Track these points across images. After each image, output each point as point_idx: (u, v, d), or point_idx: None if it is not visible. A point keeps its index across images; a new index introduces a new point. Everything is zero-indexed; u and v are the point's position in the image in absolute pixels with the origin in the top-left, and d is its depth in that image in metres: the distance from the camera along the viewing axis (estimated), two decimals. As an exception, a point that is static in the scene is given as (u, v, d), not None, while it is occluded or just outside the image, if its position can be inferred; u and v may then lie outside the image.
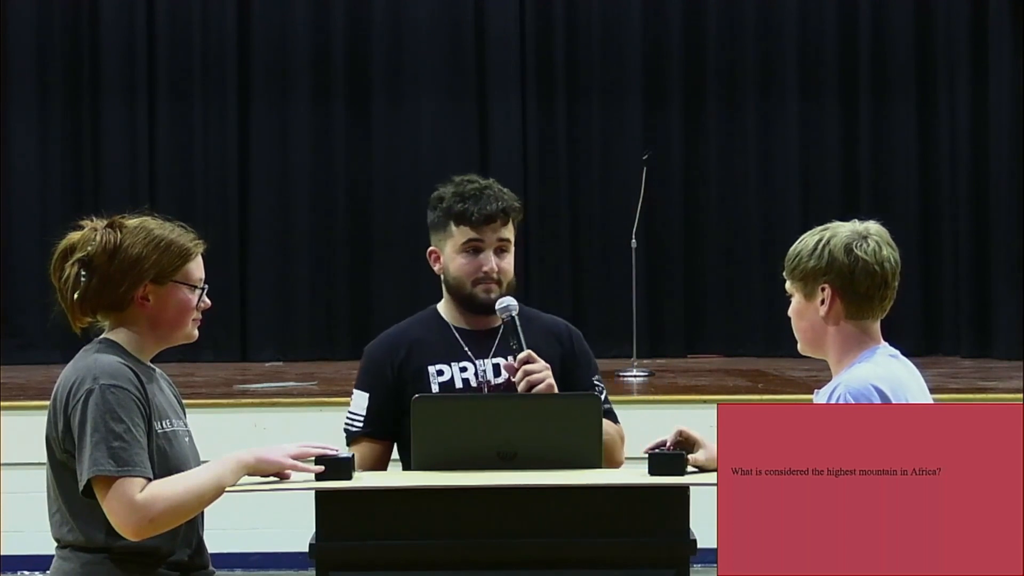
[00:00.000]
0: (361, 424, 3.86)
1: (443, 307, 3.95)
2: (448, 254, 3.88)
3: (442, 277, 3.93)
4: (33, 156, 10.74)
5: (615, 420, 3.93)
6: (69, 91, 10.80)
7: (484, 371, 3.83)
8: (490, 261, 3.83)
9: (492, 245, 3.84)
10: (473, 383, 3.83)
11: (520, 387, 3.64)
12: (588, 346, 4.01)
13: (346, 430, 3.88)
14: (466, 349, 3.87)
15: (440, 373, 3.85)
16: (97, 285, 3.17)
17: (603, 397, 3.84)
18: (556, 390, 3.68)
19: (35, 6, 10.75)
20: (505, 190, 3.91)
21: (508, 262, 3.87)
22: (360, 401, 3.88)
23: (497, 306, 3.78)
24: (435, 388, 3.82)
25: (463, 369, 3.85)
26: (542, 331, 3.91)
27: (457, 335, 3.89)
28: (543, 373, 3.68)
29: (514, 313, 3.76)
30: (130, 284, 3.17)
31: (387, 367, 3.87)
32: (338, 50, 11.00)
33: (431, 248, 3.95)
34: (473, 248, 3.85)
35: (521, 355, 3.70)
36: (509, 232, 3.87)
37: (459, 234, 3.85)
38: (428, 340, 3.89)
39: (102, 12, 10.82)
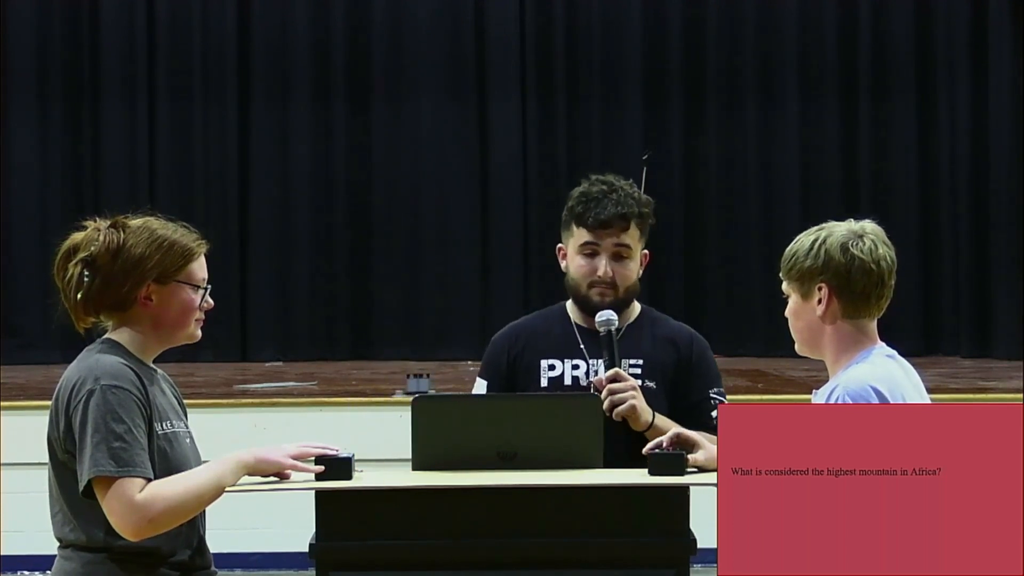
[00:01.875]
0: None
1: (570, 303, 3.97)
2: (570, 253, 3.92)
3: (566, 274, 3.94)
4: (33, 156, 10.74)
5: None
6: (69, 91, 10.80)
7: (596, 370, 3.82)
8: (604, 266, 3.84)
9: (608, 250, 3.85)
10: (583, 381, 3.83)
11: (604, 405, 3.62)
12: (712, 357, 3.97)
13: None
14: (582, 347, 3.87)
15: (552, 368, 3.86)
16: (100, 285, 3.17)
17: (716, 412, 3.83)
18: (640, 411, 3.67)
19: (35, 6, 10.75)
20: (635, 194, 3.94)
21: (628, 268, 3.87)
22: (480, 389, 3.91)
23: (596, 319, 3.79)
24: (544, 383, 3.84)
25: (575, 366, 3.85)
26: (662, 337, 3.91)
27: (577, 332, 3.89)
28: (628, 393, 3.69)
29: (612, 328, 3.76)
30: (133, 284, 3.17)
31: (504, 357, 3.91)
32: (338, 50, 11.01)
33: (560, 244, 3.98)
34: (590, 251, 3.87)
35: (608, 373, 3.72)
36: (630, 238, 3.88)
37: (578, 235, 3.89)
38: (547, 334, 3.91)
39: (102, 12, 10.83)
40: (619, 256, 3.86)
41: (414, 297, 10.72)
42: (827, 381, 3.22)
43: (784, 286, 3.26)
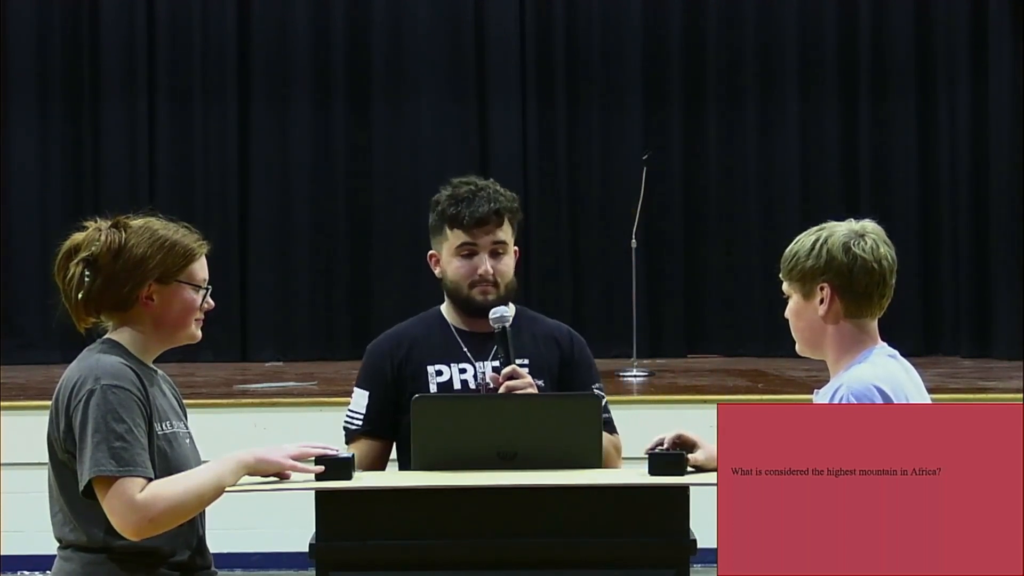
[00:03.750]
0: (360, 422, 3.86)
1: (446, 308, 3.96)
2: (445, 257, 3.89)
3: (442, 280, 3.92)
4: (33, 156, 10.74)
5: (612, 431, 3.91)
6: (69, 91, 10.80)
7: (483, 373, 3.83)
8: (484, 264, 3.83)
9: (486, 248, 3.84)
10: (472, 384, 3.84)
11: None
12: (590, 353, 3.99)
13: (345, 428, 3.89)
14: (466, 350, 3.87)
15: (439, 373, 3.86)
16: (101, 285, 3.18)
17: (602, 406, 3.84)
18: None
19: (35, 6, 10.75)
20: (502, 191, 3.89)
21: (505, 264, 3.86)
22: (360, 399, 3.89)
23: (490, 316, 3.77)
24: (433, 388, 3.83)
25: (462, 370, 3.85)
26: (542, 335, 3.92)
27: (458, 336, 3.89)
28: (527, 390, 3.68)
29: (506, 324, 3.76)
30: (134, 284, 3.18)
31: (387, 365, 3.89)
32: (338, 50, 11.00)
33: (431, 251, 3.95)
34: (468, 251, 3.85)
35: (505, 370, 3.70)
36: (505, 234, 3.86)
37: (453, 237, 3.86)
38: (429, 340, 3.90)
39: (102, 12, 10.83)
40: (496, 253, 3.85)
41: (414, 297, 10.72)
42: (827, 381, 3.22)
43: (784, 287, 3.26)
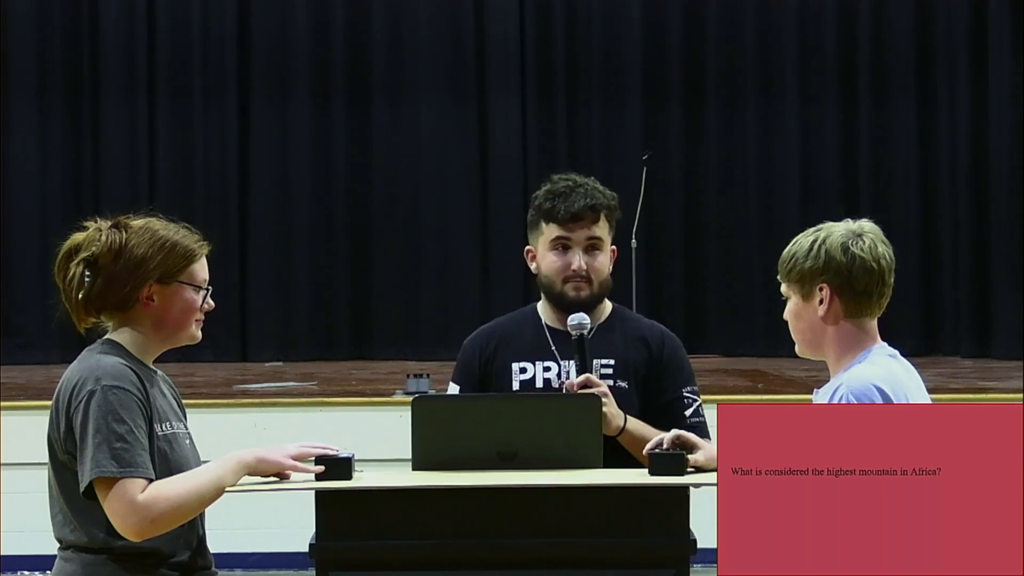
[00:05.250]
0: None
1: (541, 305, 3.95)
2: (540, 252, 3.88)
3: (537, 275, 3.92)
4: (33, 156, 10.74)
5: (704, 436, 3.76)
6: (69, 91, 10.81)
7: (567, 372, 3.80)
8: (578, 259, 3.82)
9: (581, 243, 3.82)
10: (555, 383, 3.81)
11: None
12: (684, 355, 3.94)
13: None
14: (553, 348, 3.85)
15: (523, 371, 3.85)
16: (102, 285, 3.17)
17: (692, 410, 3.82)
18: (611, 416, 3.63)
19: (35, 6, 10.75)
20: (601, 188, 3.88)
21: (600, 261, 3.84)
22: (452, 393, 3.89)
23: (568, 322, 3.76)
24: (516, 385, 3.82)
25: (547, 368, 3.84)
26: (633, 336, 3.89)
27: (548, 333, 3.87)
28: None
29: (584, 331, 3.74)
30: (135, 284, 3.17)
31: (476, 361, 3.89)
32: (338, 50, 11.01)
33: (528, 247, 3.95)
34: (562, 246, 3.84)
35: (579, 379, 3.69)
36: (601, 230, 3.84)
37: (548, 231, 3.85)
38: (519, 336, 3.89)
39: (102, 12, 10.83)
40: (592, 248, 3.83)
41: (414, 297, 10.72)
42: (827, 381, 3.22)
43: (783, 288, 3.25)
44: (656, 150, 10.19)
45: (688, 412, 3.83)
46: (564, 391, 3.73)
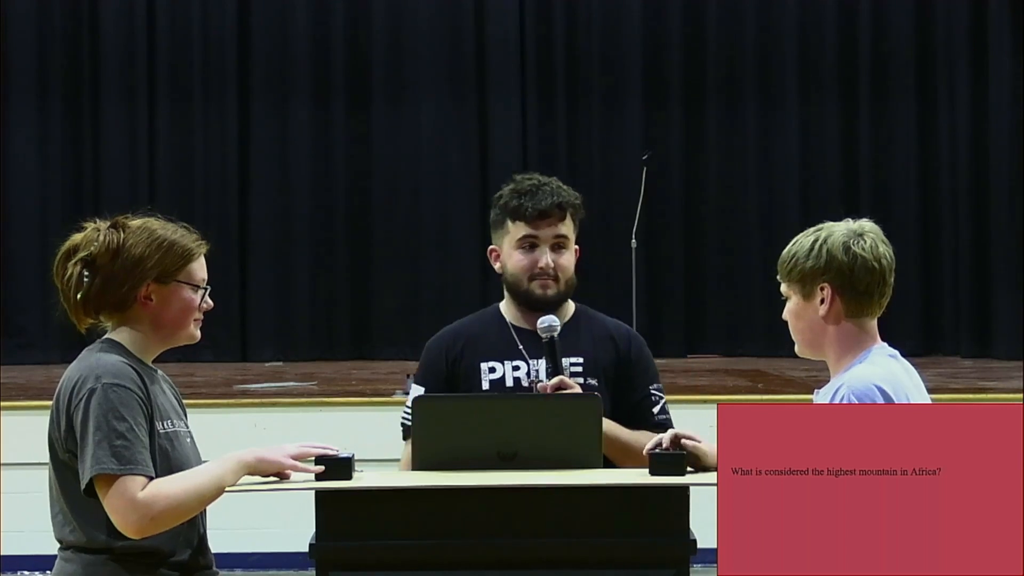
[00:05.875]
0: None
1: (504, 305, 3.95)
2: (506, 251, 3.89)
3: (502, 275, 3.92)
4: (33, 156, 10.74)
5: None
6: (69, 91, 10.80)
7: (537, 371, 3.81)
8: (545, 257, 3.82)
9: (548, 241, 3.83)
10: (524, 383, 3.81)
11: None
12: (650, 354, 3.98)
13: (403, 424, 3.87)
14: (521, 348, 3.85)
15: (492, 370, 3.84)
16: (100, 285, 3.18)
17: (659, 408, 3.84)
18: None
19: (35, 6, 10.75)
20: (564, 187, 3.89)
21: (566, 259, 3.85)
22: (417, 395, 3.88)
23: (538, 325, 3.76)
24: (486, 385, 3.82)
25: (516, 368, 3.83)
26: (600, 334, 3.90)
27: (514, 333, 3.87)
28: None
29: (555, 334, 3.74)
30: (133, 283, 3.18)
31: (442, 362, 3.88)
32: (338, 50, 11.01)
33: (491, 246, 3.96)
34: (529, 244, 3.84)
35: (553, 381, 3.69)
36: (567, 228, 3.85)
37: (515, 230, 3.86)
38: (485, 337, 3.89)
39: (102, 12, 10.83)
40: (558, 247, 3.84)
41: (414, 297, 10.72)
42: (828, 381, 3.22)
43: (783, 288, 3.25)
44: (656, 150, 10.19)
45: (656, 410, 3.85)
46: (535, 392, 3.73)
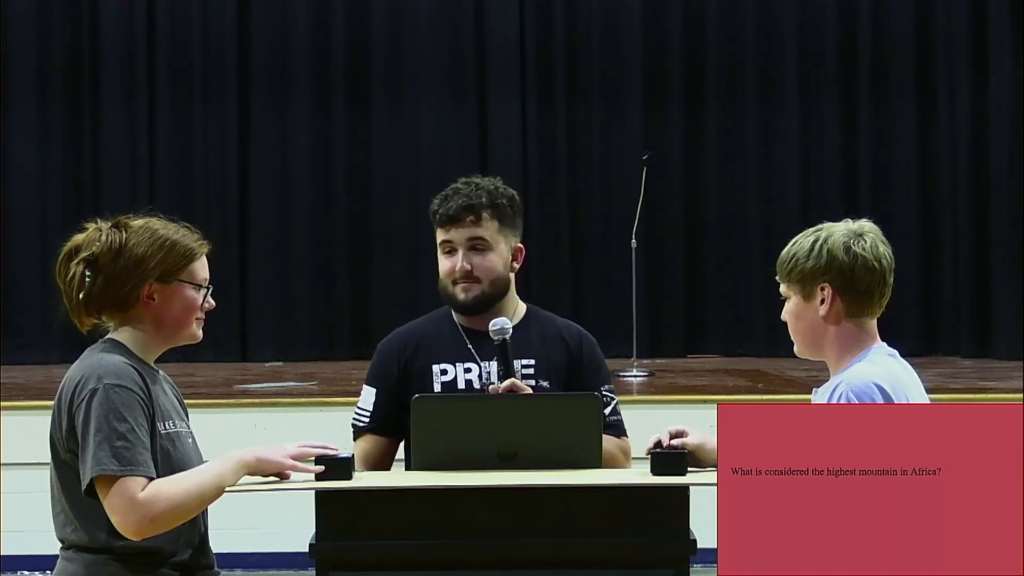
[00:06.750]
0: (367, 420, 3.86)
1: None
2: (438, 256, 3.89)
3: None
4: (33, 156, 10.74)
5: (621, 434, 3.88)
6: (69, 91, 10.80)
7: (488, 373, 3.81)
8: (459, 260, 3.81)
9: (463, 244, 3.82)
10: (476, 384, 3.81)
11: None
12: (601, 355, 3.96)
13: (353, 425, 3.89)
14: (471, 349, 3.85)
15: (444, 372, 3.84)
16: (102, 285, 3.18)
17: (610, 409, 3.82)
18: None
19: (35, 6, 10.75)
20: (487, 187, 3.84)
21: (488, 259, 3.82)
22: (368, 397, 3.88)
23: (490, 327, 3.74)
24: (437, 388, 3.82)
25: (467, 370, 3.83)
26: (551, 335, 3.89)
27: (464, 335, 3.87)
28: None
29: (506, 336, 3.72)
30: (135, 283, 3.18)
31: (394, 364, 3.88)
32: (338, 50, 11.01)
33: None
34: (448, 248, 3.85)
35: (505, 384, 3.67)
36: (484, 230, 3.81)
37: (438, 236, 3.88)
38: (437, 339, 3.88)
39: (102, 12, 10.83)
40: (476, 248, 3.82)
41: (414, 297, 10.72)
42: (827, 380, 3.22)
43: (782, 288, 3.26)
44: (656, 150, 10.19)
45: (607, 411, 3.81)
46: (487, 393, 3.73)
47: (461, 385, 3.82)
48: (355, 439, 3.86)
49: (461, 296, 3.82)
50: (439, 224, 3.84)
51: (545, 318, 3.96)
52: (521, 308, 3.92)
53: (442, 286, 3.87)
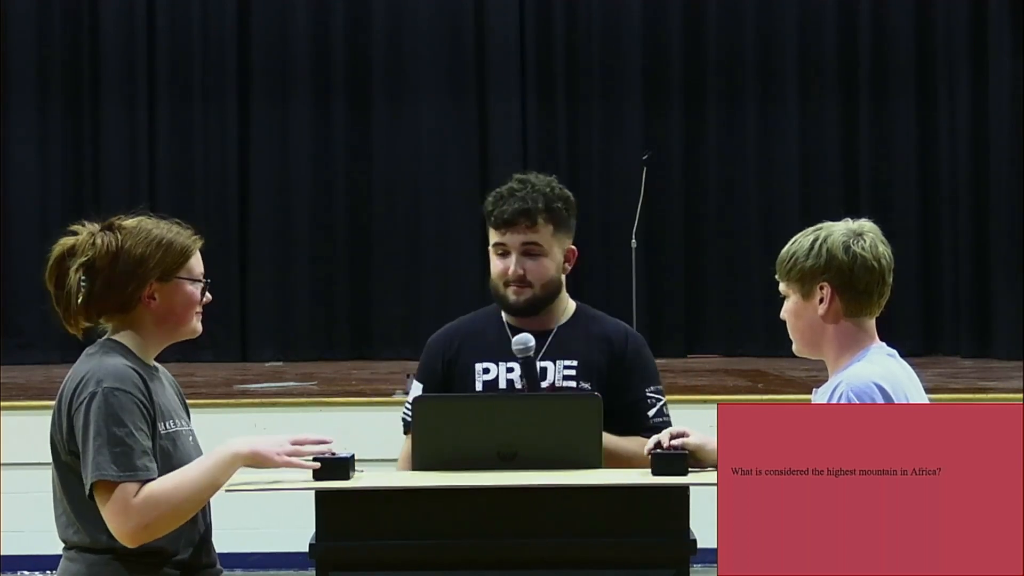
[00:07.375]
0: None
1: None
2: (490, 255, 3.86)
3: None
4: (33, 156, 10.75)
5: None
6: (69, 91, 10.81)
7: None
8: (513, 264, 3.77)
9: (517, 248, 3.77)
10: (518, 384, 3.78)
11: None
12: (649, 354, 3.92)
13: (403, 420, 3.86)
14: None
15: (486, 371, 3.82)
16: (101, 289, 3.17)
17: (655, 411, 3.79)
18: None
19: (35, 6, 10.76)
20: (547, 189, 3.79)
21: (541, 264, 3.77)
22: (416, 391, 3.87)
23: (513, 345, 3.72)
24: (479, 386, 3.79)
25: (510, 369, 3.80)
26: (597, 335, 3.85)
27: (510, 333, 3.81)
28: None
29: (530, 353, 3.69)
30: (136, 284, 3.17)
31: (439, 360, 3.87)
32: (338, 50, 11.01)
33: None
34: (501, 251, 3.81)
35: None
36: (538, 235, 3.77)
37: (491, 236, 3.84)
38: (482, 337, 3.86)
39: (102, 12, 10.84)
40: (530, 253, 3.78)
41: (414, 297, 10.72)
42: (827, 380, 3.22)
43: (782, 287, 3.26)
44: (656, 150, 10.19)
45: (651, 413, 3.79)
46: (487, 393, 3.71)
47: (503, 384, 3.79)
48: (405, 433, 3.83)
49: (512, 299, 3.79)
50: (493, 226, 3.79)
51: (593, 318, 3.93)
52: (571, 307, 3.89)
53: (493, 286, 3.84)
